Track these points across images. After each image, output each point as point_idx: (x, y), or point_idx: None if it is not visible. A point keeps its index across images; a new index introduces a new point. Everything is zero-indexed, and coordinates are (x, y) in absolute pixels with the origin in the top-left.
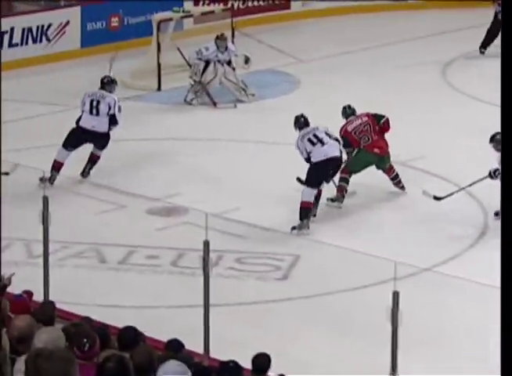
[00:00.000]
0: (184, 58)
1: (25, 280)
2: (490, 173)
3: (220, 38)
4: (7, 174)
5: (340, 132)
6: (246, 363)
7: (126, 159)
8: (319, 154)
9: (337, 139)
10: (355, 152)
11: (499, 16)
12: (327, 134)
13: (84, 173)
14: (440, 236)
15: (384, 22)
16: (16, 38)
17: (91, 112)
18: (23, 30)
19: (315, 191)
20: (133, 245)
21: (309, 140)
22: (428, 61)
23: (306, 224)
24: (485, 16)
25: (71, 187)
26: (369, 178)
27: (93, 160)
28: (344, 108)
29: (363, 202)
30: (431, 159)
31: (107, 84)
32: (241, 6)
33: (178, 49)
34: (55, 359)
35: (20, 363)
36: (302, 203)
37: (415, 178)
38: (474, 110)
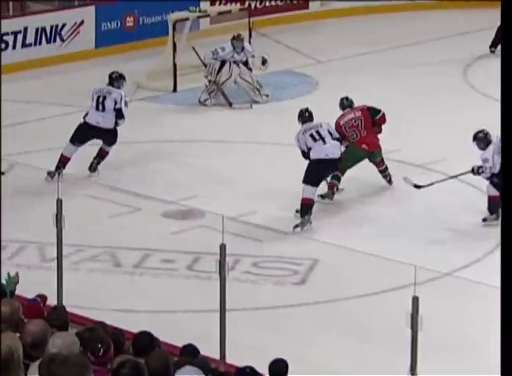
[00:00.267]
0: (199, 57)
1: (38, 284)
2: (473, 169)
3: (236, 39)
4: (3, 173)
5: (336, 126)
6: (263, 369)
7: (141, 161)
8: (320, 152)
9: (338, 139)
10: (344, 149)
11: None
12: (330, 132)
13: (92, 168)
14: (460, 240)
15: (404, 22)
16: (30, 38)
17: (97, 108)
18: (37, 30)
19: (315, 188)
20: (148, 249)
21: (311, 135)
22: (449, 62)
23: (308, 220)
24: None
25: (85, 190)
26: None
27: (102, 155)
28: (342, 99)
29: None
30: (452, 161)
31: (115, 79)
32: (258, 6)
33: (194, 49)
34: (70, 365)
35: (34, 369)
36: (303, 199)
37: (434, 180)
38: (495, 112)
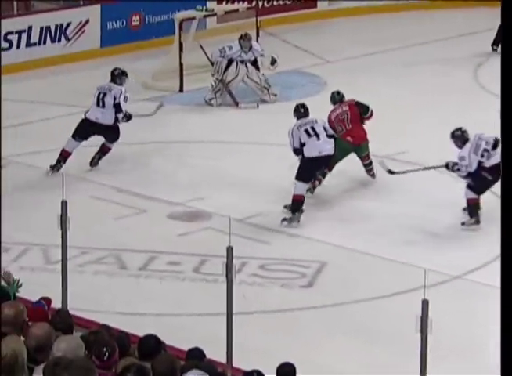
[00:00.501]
0: (206, 55)
1: (43, 287)
2: (447, 164)
3: (244, 39)
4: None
5: (328, 121)
6: (271, 373)
7: (146, 162)
8: (314, 149)
9: (332, 135)
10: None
11: None
12: (325, 129)
13: (93, 162)
14: (472, 241)
15: (413, 21)
16: (34, 38)
17: (97, 104)
18: (42, 29)
19: (307, 185)
20: (154, 251)
21: (306, 131)
22: (458, 61)
23: (297, 217)
24: None
25: (91, 191)
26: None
27: (103, 151)
28: (333, 94)
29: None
30: None
31: (117, 76)
32: (266, 5)
33: (201, 46)
34: (75, 369)
35: (38, 373)
36: (294, 196)
37: (444, 183)
38: None
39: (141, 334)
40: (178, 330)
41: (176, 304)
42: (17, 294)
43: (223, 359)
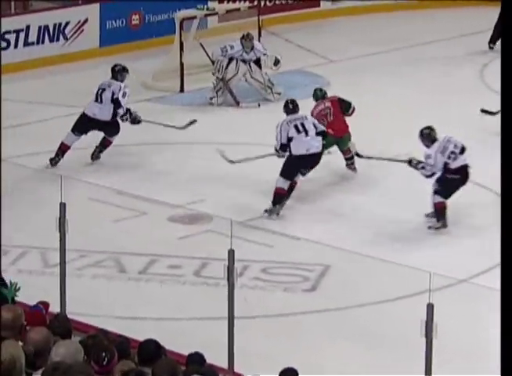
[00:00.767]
0: (207, 54)
1: (41, 291)
2: (411, 161)
3: (245, 39)
4: None
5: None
6: None
7: (146, 163)
8: (302, 146)
9: (322, 132)
10: None
11: None
12: (314, 125)
13: (94, 156)
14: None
15: (417, 20)
16: (32, 37)
17: (96, 99)
18: (40, 28)
19: (289, 181)
20: (154, 254)
21: (295, 126)
22: (464, 61)
23: (277, 210)
24: None
25: (89, 193)
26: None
27: (104, 144)
28: (315, 91)
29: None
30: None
31: (118, 72)
32: (268, 4)
33: (201, 45)
34: (74, 374)
35: None
36: (276, 189)
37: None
38: None
39: (141, 338)
40: (179, 334)
41: (177, 308)
42: (15, 299)
43: (224, 365)
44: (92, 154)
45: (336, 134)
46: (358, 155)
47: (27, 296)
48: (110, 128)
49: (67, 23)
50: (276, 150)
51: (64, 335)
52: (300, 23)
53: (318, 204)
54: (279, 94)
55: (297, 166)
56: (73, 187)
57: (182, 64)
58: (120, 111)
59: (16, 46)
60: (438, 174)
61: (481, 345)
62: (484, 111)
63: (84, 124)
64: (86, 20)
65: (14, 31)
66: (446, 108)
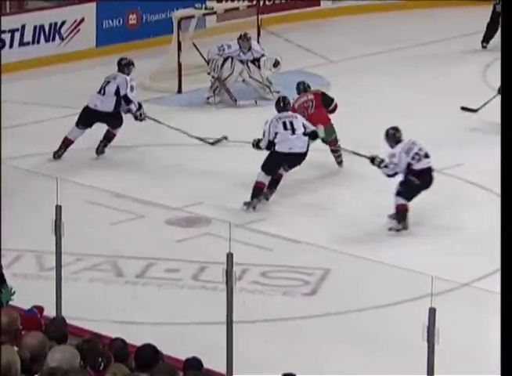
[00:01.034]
0: (201, 54)
1: (36, 295)
2: (374, 158)
3: (243, 39)
4: None
5: (291, 109)
6: None
7: (144, 166)
8: (285, 144)
9: (311, 133)
10: None
11: (498, 8)
12: (304, 126)
13: (98, 150)
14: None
15: (419, 20)
16: (28, 37)
17: (99, 91)
18: (35, 27)
19: (269, 176)
20: (152, 258)
21: (284, 123)
22: (467, 62)
23: (254, 203)
24: None
25: (86, 196)
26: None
27: (108, 137)
28: (298, 84)
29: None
30: (468, 166)
31: (125, 65)
32: (267, 3)
33: (194, 45)
34: None
35: None
36: (256, 183)
37: (452, 186)
38: None
39: (138, 343)
40: (177, 339)
41: (174, 312)
42: (10, 303)
43: (223, 370)
44: (97, 149)
45: (316, 125)
46: (323, 141)
47: (22, 300)
48: (113, 120)
49: (63, 23)
50: (254, 145)
51: (60, 340)
52: (299, 23)
53: (318, 204)
54: (278, 92)
55: (278, 162)
56: (69, 189)
57: (179, 64)
58: (133, 107)
59: (11, 46)
60: (401, 175)
61: (482, 348)
62: (464, 109)
63: (86, 117)
64: (82, 20)
65: (9, 31)
66: (447, 108)
